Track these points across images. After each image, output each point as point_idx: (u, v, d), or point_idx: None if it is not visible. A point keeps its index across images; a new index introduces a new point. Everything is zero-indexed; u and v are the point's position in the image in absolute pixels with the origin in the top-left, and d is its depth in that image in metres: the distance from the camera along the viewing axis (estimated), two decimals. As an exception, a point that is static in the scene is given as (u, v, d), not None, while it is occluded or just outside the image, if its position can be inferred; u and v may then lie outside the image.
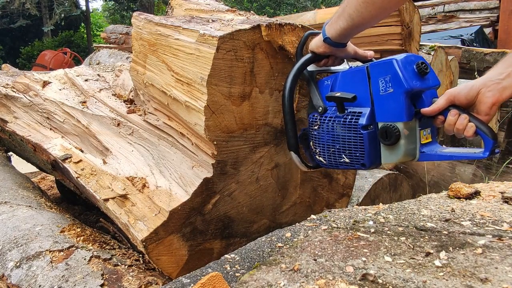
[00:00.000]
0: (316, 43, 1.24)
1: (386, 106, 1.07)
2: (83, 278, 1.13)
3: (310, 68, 1.29)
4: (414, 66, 1.05)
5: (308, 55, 1.26)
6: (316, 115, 1.24)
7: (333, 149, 1.19)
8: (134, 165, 1.40)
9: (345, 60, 1.34)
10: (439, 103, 1.02)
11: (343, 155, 1.16)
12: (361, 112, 1.12)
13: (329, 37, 1.18)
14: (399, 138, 1.05)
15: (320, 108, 1.22)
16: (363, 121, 1.10)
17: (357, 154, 1.12)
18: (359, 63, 1.40)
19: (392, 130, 1.05)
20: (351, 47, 1.27)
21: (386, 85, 1.06)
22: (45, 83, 1.98)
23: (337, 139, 1.17)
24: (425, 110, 1.04)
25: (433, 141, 1.11)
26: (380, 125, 1.09)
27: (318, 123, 1.22)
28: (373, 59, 1.32)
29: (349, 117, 1.13)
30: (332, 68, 1.33)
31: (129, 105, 1.66)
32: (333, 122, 1.18)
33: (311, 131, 1.26)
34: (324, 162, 1.24)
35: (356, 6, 1.09)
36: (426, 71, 1.05)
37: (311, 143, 1.28)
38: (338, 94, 1.15)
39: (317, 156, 1.26)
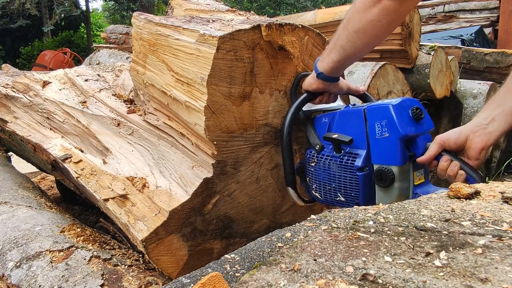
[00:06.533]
0: (308, 81, 1.26)
1: (381, 150, 1.09)
2: (83, 278, 1.13)
3: (305, 108, 1.31)
4: (410, 111, 1.07)
5: (304, 95, 1.28)
6: (313, 152, 1.26)
7: (329, 187, 1.20)
8: (134, 165, 1.40)
9: (338, 96, 1.36)
10: (432, 150, 1.04)
11: (339, 194, 1.18)
12: (357, 154, 1.13)
13: (322, 72, 1.20)
14: (394, 181, 1.07)
15: (317, 146, 1.24)
16: (359, 163, 1.12)
17: (352, 194, 1.14)
18: (356, 101, 1.42)
19: (387, 173, 1.06)
20: (343, 82, 1.29)
21: (382, 129, 1.08)
22: (45, 83, 1.98)
23: (333, 178, 1.18)
24: (420, 159, 1.06)
25: (426, 181, 1.13)
26: (375, 167, 1.11)
27: (315, 160, 1.24)
28: (365, 92, 1.34)
29: (346, 157, 1.15)
30: (327, 106, 1.35)
31: (129, 105, 1.66)
32: (329, 161, 1.19)
33: (308, 167, 1.28)
34: (320, 198, 1.25)
35: (348, 37, 1.11)
36: (421, 117, 1.07)
37: (307, 178, 1.29)
38: (335, 136, 1.16)
39: (313, 191, 1.27)
